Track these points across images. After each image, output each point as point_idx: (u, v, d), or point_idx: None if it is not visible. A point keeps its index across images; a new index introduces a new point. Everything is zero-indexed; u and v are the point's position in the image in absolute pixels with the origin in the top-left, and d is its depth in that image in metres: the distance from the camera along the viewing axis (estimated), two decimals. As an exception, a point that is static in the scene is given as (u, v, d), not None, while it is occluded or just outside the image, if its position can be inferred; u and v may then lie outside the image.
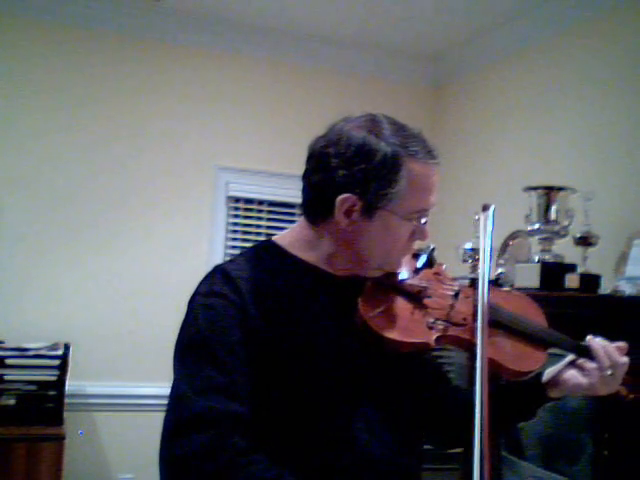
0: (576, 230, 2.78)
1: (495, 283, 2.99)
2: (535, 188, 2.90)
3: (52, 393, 3.21)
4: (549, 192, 2.86)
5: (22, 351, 3.26)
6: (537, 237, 2.93)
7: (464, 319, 1.29)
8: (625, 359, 1.31)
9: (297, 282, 1.27)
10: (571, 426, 2.46)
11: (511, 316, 1.33)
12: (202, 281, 1.26)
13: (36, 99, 3.65)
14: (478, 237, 3.41)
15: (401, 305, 1.29)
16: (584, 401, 2.37)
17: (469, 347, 1.26)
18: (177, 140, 3.88)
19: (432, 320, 1.27)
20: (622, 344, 1.33)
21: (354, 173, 1.21)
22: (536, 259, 2.87)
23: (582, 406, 2.41)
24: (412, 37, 3.96)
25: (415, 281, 1.32)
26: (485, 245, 1.33)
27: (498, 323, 1.29)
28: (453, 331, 1.28)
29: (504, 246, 3.27)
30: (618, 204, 2.92)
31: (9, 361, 3.22)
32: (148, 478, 3.78)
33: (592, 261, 2.72)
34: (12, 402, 3.17)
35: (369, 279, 1.30)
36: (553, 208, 2.86)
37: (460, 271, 3.02)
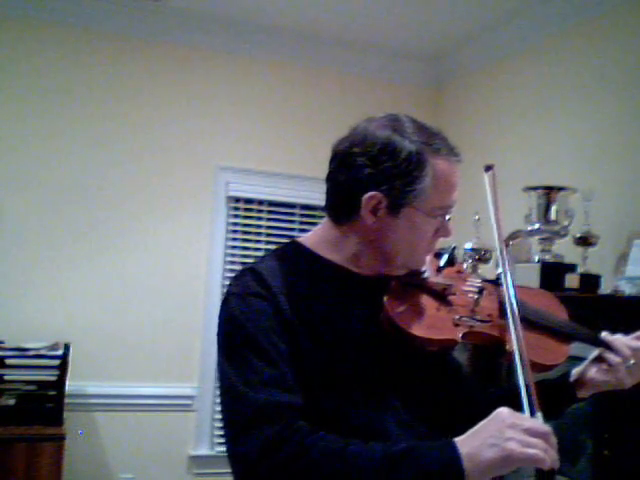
0: (576, 230, 2.78)
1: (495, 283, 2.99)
2: (535, 188, 2.90)
3: (52, 393, 3.21)
4: (549, 192, 2.86)
5: (22, 351, 3.26)
6: (537, 237, 2.93)
7: (489, 315, 1.30)
8: None
9: (323, 281, 1.28)
10: (571, 426, 2.46)
11: (535, 311, 1.34)
12: (233, 282, 1.27)
13: (36, 99, 3.65)
14: (478, 237, 3.39)
15: (426, 303, 1.30)
16: (584, 401, 2.37)
17: (494, 343, 1.27)
18: (177, 140, 3.88)
19: (458, 317, 1.28)
20: None
21: (380, 171, 1.23)
22: (536, 259, 2.87)
23: (582, 406, 2.40)
24: (413, 37, 3.96)
25: (439, 279, 1.33)
26: (493, 210, 1.34)
27: (523, 318, 1.28)
28: (479, 327, 1.28)
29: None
30: (618, 204, 2.92)
31: (9, 361, 3.22)
32: (148, 478, 3.82)
33: (592, 261, 2.72)
34: (12, 402, 3.17)
35: (394, 278, 1.31)
36: (553, 208, 2.86)
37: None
